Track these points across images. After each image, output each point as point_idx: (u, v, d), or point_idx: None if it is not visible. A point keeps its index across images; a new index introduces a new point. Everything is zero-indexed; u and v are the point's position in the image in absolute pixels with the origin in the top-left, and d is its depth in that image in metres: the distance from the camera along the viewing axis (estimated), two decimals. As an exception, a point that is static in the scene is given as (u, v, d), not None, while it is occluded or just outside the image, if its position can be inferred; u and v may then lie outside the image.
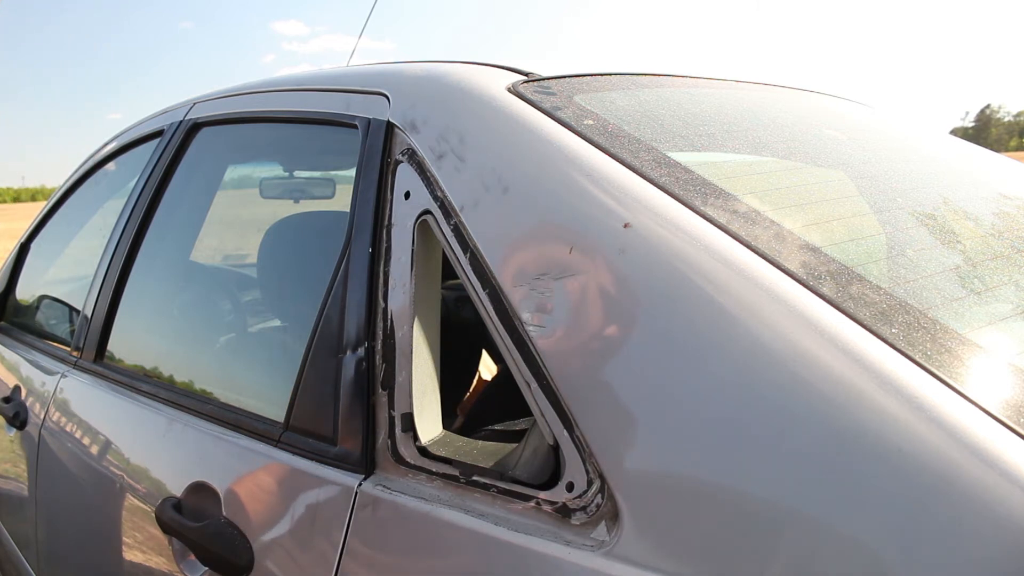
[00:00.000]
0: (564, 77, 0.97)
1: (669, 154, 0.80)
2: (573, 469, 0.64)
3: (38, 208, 2.29)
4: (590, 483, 0.63)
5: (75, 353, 1.50)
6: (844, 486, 0.51)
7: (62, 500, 1.41)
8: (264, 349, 1.39)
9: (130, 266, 1.42)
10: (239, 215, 1.89)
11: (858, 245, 0.81)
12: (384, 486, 0.78)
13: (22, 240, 2.13)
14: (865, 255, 0.80)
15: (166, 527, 0.99)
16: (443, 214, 0.80)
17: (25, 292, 2.08)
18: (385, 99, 0.96)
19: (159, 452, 1.15)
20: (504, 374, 1.33)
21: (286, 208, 1.91)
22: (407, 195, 0.85)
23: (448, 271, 0.86)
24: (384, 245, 0.86)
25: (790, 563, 0.51)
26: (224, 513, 0.93)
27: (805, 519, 0.51)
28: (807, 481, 0.52)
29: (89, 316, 1.48)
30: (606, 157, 0.75)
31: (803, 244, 0.69)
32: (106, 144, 1.86)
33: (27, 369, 1.71)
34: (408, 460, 0.78)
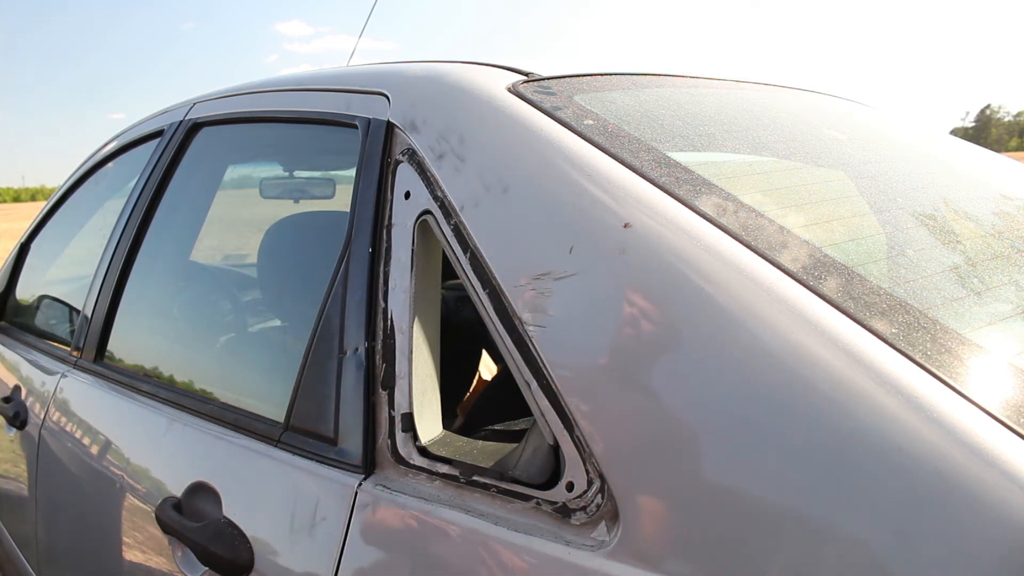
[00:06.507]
0: (564, 77, 0.97)
1: (669, 154, 0.80)
2: (573, 469, 0.64)
3: (38, 208, 2.29)
4: (590, 483, 0.63)
5: (75, 353, 1.50)
6: (844, 486, 0.51)
7: (62, 500, 1.41)
8: (264, 349, 1.39)
9: (130, 266, 1.42)
10: (239, 215, 1.89)
11: (858, 245, 0.81)
12: (384, 486, 0.78)
13: (22, 240, 2.13)
14: (865, 255, 0.80)
15: (166, 527, 0.99)
16: (443, 214, 0.80)
17: (25, 292, 2.08)
18: (385, 99, 0.96)
19: (159, 452, 1.15)
20: (504, 374, 1.32)
21: (286, 208, 1.91)
22: (407, 195, 0.86)
23: (448, 271, 0.86)
24: (384, 245, 0.86)
25: (790, 563, 0.51)
26: (224, 513, 0.93)
27: (805, 519, 0.51)
28: (807, 481, 0.52)
29: (89, 316, 1.48)
30: (606, 157, 0.75)
31: (803, 244, 0.69)
32: (106, 144, 1.86)
33: (27, 369, 1.71)
34: (408, 460, 0.78)
